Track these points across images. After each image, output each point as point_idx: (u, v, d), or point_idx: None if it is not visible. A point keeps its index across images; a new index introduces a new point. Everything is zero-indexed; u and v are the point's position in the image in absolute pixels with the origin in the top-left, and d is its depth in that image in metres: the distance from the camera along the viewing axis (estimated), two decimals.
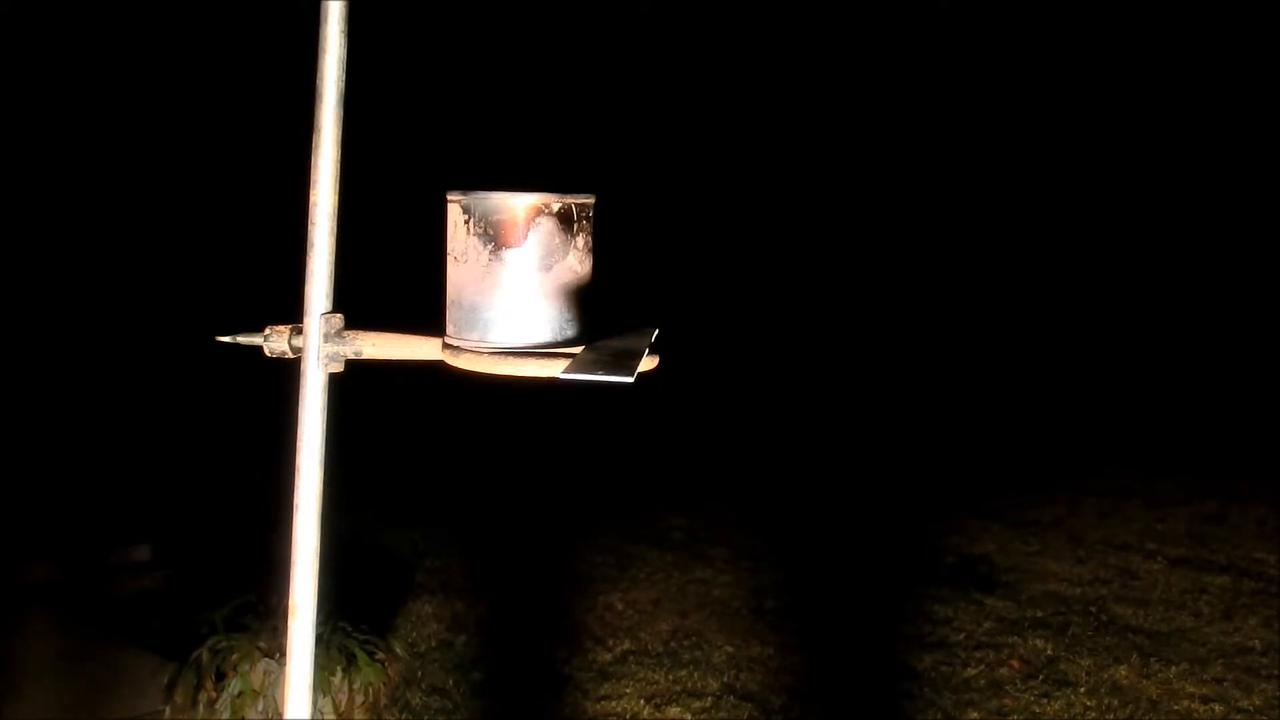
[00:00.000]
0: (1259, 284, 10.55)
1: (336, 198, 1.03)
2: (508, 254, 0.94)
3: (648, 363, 0.93)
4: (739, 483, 6.43)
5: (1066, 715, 3.69)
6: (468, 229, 0.94)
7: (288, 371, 1.05)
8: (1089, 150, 11.86)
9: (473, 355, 0.94)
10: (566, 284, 0.95)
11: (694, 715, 3.56)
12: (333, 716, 3.13)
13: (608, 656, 3.96)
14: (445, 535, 5.26)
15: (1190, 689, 3.87)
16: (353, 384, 1.08)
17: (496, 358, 0.93)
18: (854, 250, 12.05)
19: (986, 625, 4.38)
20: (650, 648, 4.06)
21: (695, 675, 3.83)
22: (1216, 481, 6.61)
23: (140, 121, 9.62)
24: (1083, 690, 3.86)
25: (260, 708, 3.06)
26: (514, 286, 0.94)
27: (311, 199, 1.02)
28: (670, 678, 3.81)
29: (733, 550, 5.18)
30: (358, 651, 3.21)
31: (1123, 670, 4.02)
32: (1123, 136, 11.69)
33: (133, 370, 7.70)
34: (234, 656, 3.10)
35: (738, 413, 8.68)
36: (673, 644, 4.10)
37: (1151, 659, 4.11)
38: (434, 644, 4.07)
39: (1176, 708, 3.74)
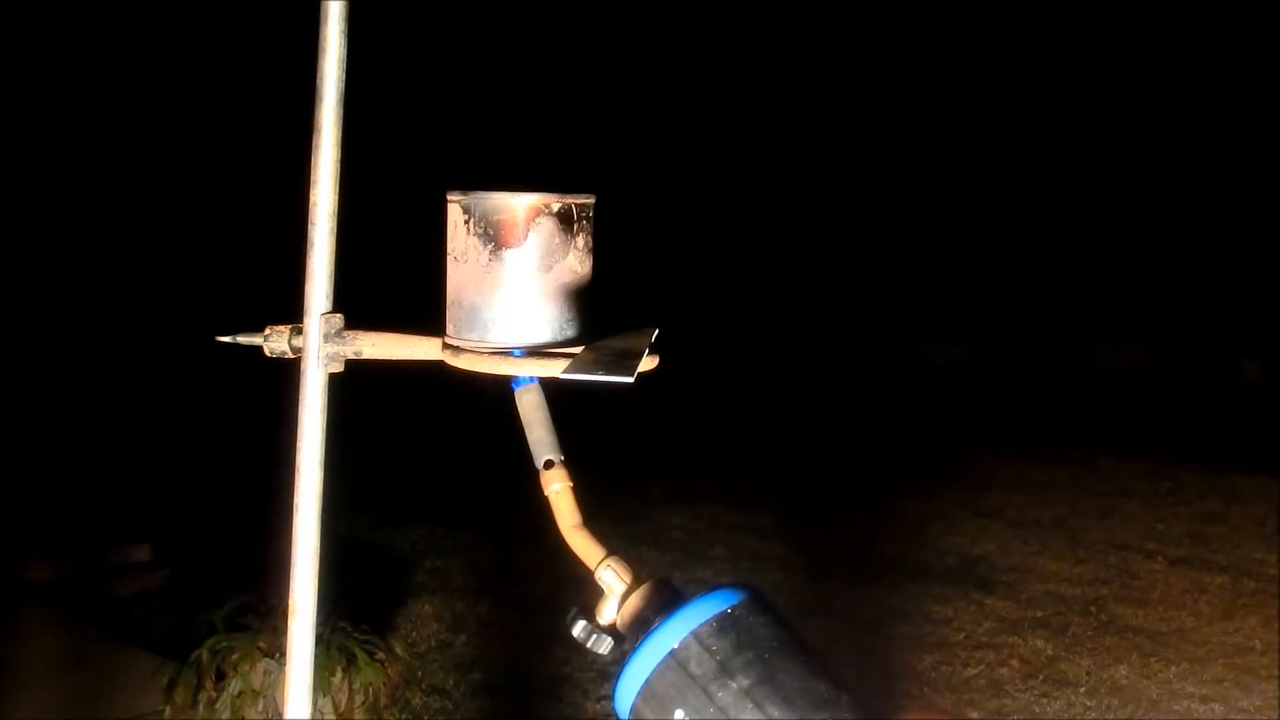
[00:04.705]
0: (1258, 282, 10.55)
1: (336, 198, 1.02)
2: (508, 254, 0.94)
3: (648, 363, 0.93)
4: (739, 483, 6.43)
5: (1066, 715, 3.69)
6: (468, 229, 0.94)
7: (288, 371, 1.05)
8: (1090, 146, 11.86)
9: (473, 355, 0.94)
10: (566, 284, 0.95)
11: None
12: (333, 716, 3.13)
13: (608, 657, 3.96)
14: (445, 535, 5.26)
15: (1190, 689, 3.87)
16: (353, 384, 1.08)
17: (496, 358, 0.93)
18: (853, 249, 12.05)
19: (986, 625, 4.38)
20: None
21: None
22: (1216, 481, 6.61)
23: (140, 121, 9.62)
24: (1083, 690, 3.86)
25: (260, 708, 3.06)
26: (514, 286, 0.94)
27: (311, 199, 1.02)
28: None
29: (733, 550, 5.18)
30: (358, 651, 3.20)
31: (1123, 670, 4.02)
32: (1123, 135, 11.69)
33: (133, 370, 7.70)
34: (234, 656, 3.10)
35: (738, 412, 8.68)
36: None
37: (1151, 659, 4.11)
38: (434, 644, 4.07)
39: (1176, 708, 3.74)
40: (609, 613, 0.86)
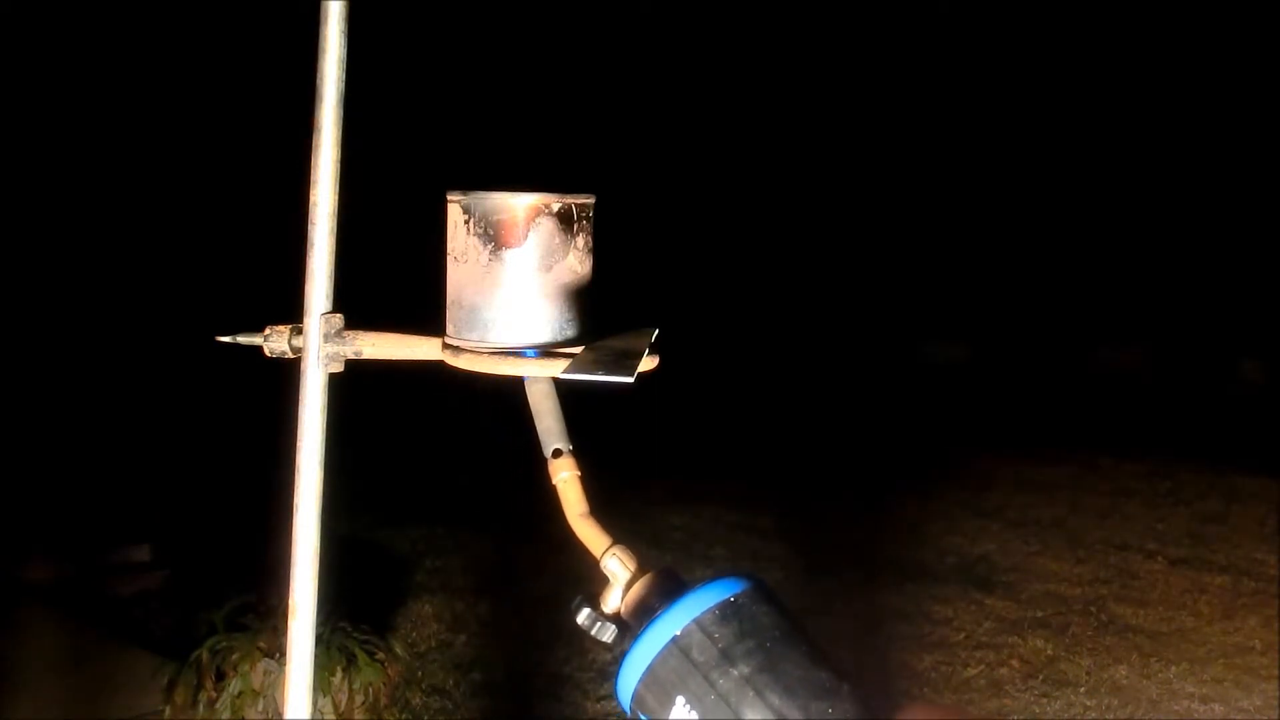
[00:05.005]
0: (1258, 282, 10.55)
1: (336, 198, 1.02)
2: (508, 254, 0.94)
3: (648, 363, 0.93)
4: (739, 483, 6.43)
5: (1066, 715, 3.69)
6: (468, 229, 0.94)
7: (288, 371, 1.05)
8: (1090, 147, 11.86)
9: (473, 355, 0.94)
10: (566, 284, 0.95)
11: None
12: (333, 716, 3.13)
13: (607, 656, 3.96)
14: (445, 535, 5.26)
15: (1190, 689, 3.88)
16: (353, 384, 1.08)
17: (496, 358, 0.93)
18: (853, 249, 12.05)
19: (986, 625, 4.38)
20: None
21: None
22: (1216, 481, 6.61)
23: (140, 121, 9.62)
24: (1083, 690, 3.86)
25: (260, 708, 3.06)
26: (514, 286, 0.94)
27: (311, 199, 1.02)
28: None
29: (733, 550, 5.18)
30: (358, 651, 3.21)
31: (1123, 670, 4.02)
32: (1123, 135, 11.69)
33: (133, 370, 7.70)
34: (234, 656, 3.10)
35: (738, 412, 8.68)
36: None
37: (1151, 659, 4.11)
38: (434, 644, 4.08)
39: (1176, 708, 3.74)
40: (613, 601, 0.86)
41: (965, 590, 4.74)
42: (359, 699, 3.18)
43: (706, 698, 0.73)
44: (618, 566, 0.86)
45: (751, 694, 0.73)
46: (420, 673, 3.79)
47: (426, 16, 10.13)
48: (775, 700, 0.72)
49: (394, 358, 1.01)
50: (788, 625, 0.76)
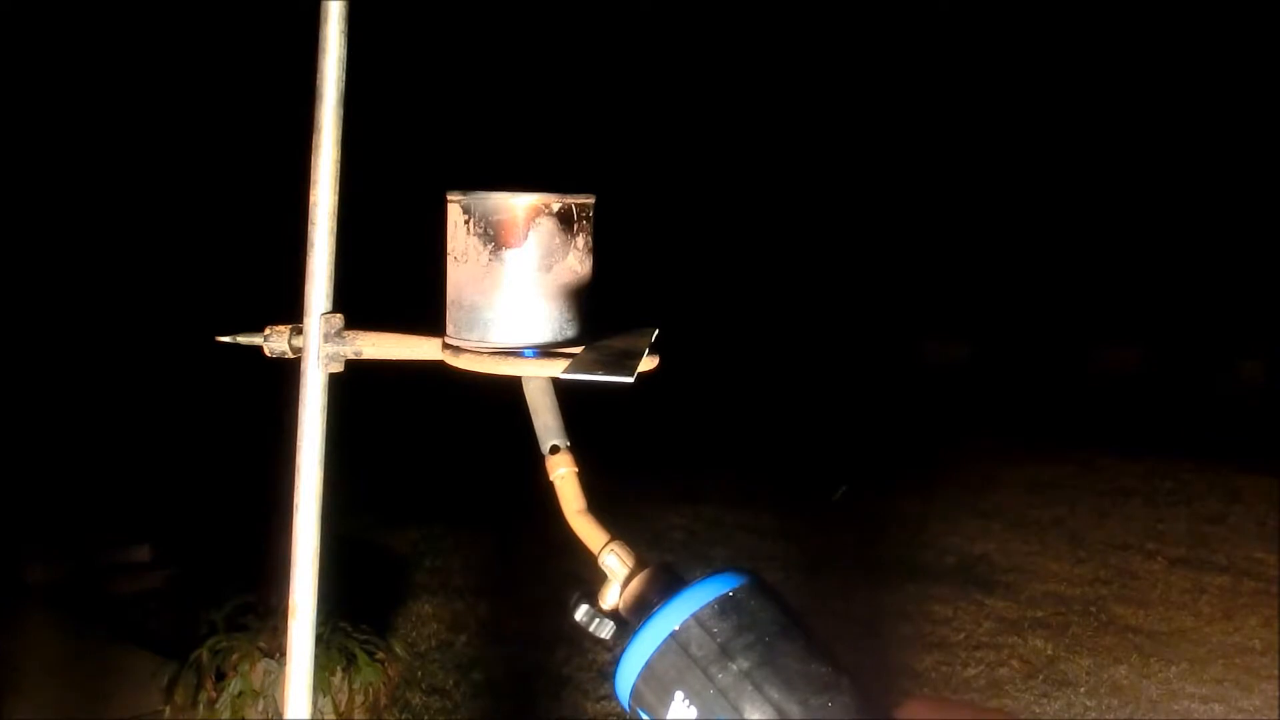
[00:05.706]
0: (1258, 282, 10.55)
1: (336, 198, 1.02)
2: (508, 254, 0.94)
3: (648, 362, 0.93)
4: (739, 483, 6.43)
5: (1066, 715, 3.69)
6: (468, 229, 0.94)
7: (288, 371, 1.05)
8: (1090, 146, 11.86)
9: (473, 355, 0.94)
10: (566, 284, 0.95)
11: None
12: (333, 716, 3.13)
13: (607, 656, 3.96)
14: (445, 535, 5.26)
15: (1190, 689, 3.88)
16: (353, 384, 1.08)
17: (496, 358, 0.93)
18: (853, 248, 12.05)
19: (986, 625, 4.38)
20: None
21: None
22: (1216, 481, 6.61)
23: (140, 121, 9.62)
24: (1083, 690, 3.86)
25: (260, 708, 3.06)
26: (514, 286, 0.94)
27: (311, 199, 1.01)
28: None
29: (733, 550, 5.18)
30: (358, 651, 3.21)
31: (1123, 670, 4.02)
32: (1123, 135, 11.69)
33: (133, 370, 7.70)
34: (234, 656, 3.10)
35: (738, 412, 8.68)
36: None
37: (1151, 659, 4.11)
38: (434, 644, 4.08)
39: (1176, 708, 3.74)
40: (611, 597, 0.86)
41: (965, 590, 4.74)
42: (359, 699, 3.18)
43: (705, 693, 0.73)
44: (615, 562, 0.86)
45: (750, 689, 0.72)
46: (420, 673, 3.79)
47: (426, 16, 10.13)
48: (775, 695, 0.72)
49: (394, 358, 1.01)
50: (786, 620, 0.76)
